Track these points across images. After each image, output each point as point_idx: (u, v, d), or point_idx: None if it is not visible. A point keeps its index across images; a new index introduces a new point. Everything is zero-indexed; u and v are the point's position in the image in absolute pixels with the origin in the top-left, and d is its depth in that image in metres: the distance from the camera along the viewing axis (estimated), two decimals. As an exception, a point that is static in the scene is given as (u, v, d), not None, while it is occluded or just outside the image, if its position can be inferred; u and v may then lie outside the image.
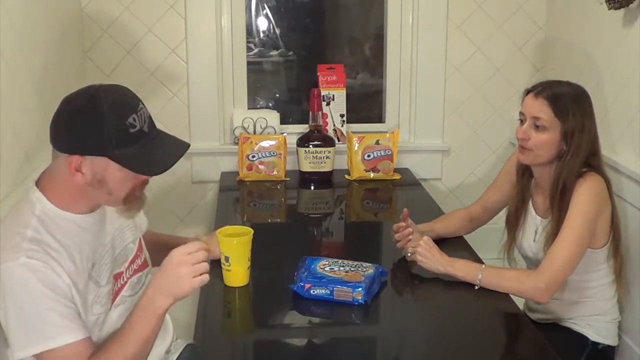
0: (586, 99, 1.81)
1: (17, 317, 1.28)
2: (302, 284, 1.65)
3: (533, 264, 1.93)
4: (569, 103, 1.76)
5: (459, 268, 1.74)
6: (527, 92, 1.83)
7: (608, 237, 1.84)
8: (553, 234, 1.77)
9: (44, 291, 1.27)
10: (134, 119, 1.34)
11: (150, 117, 1.40)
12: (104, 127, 1.31)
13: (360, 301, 1.63)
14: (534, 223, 1.90)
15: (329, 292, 1.64)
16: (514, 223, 1.95)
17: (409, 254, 1.83)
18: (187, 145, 1.43)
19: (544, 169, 1.83)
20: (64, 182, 1.36)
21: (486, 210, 2.07)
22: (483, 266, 1.74)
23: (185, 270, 1.35)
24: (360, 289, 1.63)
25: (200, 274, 1.37)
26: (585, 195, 1.74)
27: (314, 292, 1.64)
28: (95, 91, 1.34)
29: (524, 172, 1.92)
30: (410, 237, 1.87)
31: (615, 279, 1.90)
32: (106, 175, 1.34)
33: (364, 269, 1.72)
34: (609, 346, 1.91)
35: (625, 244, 1.96)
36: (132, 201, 1.42)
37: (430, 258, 1.76)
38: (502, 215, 2.04)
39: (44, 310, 1.28)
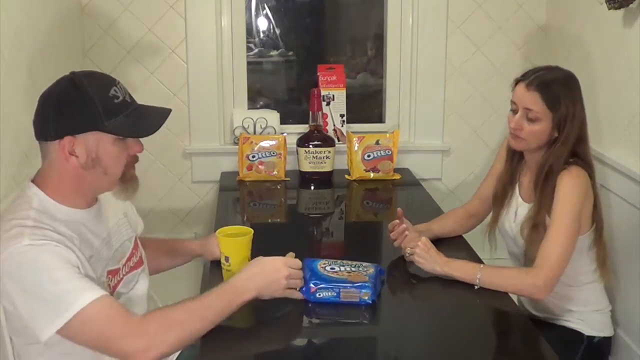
0: (576, 84, 1.82)
1: (33, 297, 1.26)
2: (308, 287, 1.63)
3: (513, 244, 1.95)
4: (559, 91, 1.78)
5: (456, 268, 1.74)
6: (517, 81, 1.84)
7: (590, 225, 1.85)
8: (532, 218, 1.80)
9: (52, 262, 1.27)
10: (115, 90, 1.40)
11: (128, 92, 1.45)
12: (91, 102, 1.35)
13: (367, 301, 1.62)
14: (516, 204, 1.92)
15: (335, 294, 1.63)
16: (500, 202, 1.97)
17: (408, 254, 1.83)
18: (169, 110, 1.49)
19: (535, 154, 1.86)
20: (60, 175, 1.38)
21: (484, 202, 2.07)
22: (481, 266, 1.74)
23: (281, 278, 1.48)
24: (367, 289, 1.63)
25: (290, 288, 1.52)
26: (569, 188, 1.75)
27: (319, 295, 1.63)
28: (72, 76, 1.40)
29: (514, 154, 1.94)
30: (406, 233, 1.87)
31: (598, 266, 1.90)
32: (100, 152, 1.37)
33: (365, 269, 1.72)
34: (604, 338, 1.92)
35: (617, 240, 1.96)
36: (127, 180, 1.46)
37: (428, 259, 1.76)
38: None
39: (57, 280, 1.26)
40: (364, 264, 1.75)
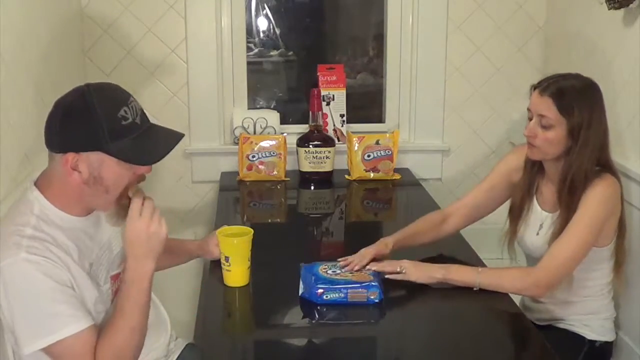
0: (593, 92, 1.78)
1: (22, 312, 1.28)
2: (315, 291, 1.63)
3: (534, 257, 1.92)
4: (574, 98, 1.74)
5: (456, 274, 1.71)
6: (534, 87, 1.81)
7: (613, 236, 1.83)
8: (560, 231, 1.75)
9: (47, 282, 1.28)
10: (125, 111, 1.34)
11: (142, 110, 1.40)
12: (97, 122, 1.31)
13: (374, 300, 1.63)
14: (540, 218, 1.88)
15: (343, 295, 1.63)
16: (517, 215, 1.93)
17: (403, 271, 1.72)
18: (181, 135, 1.43)
19: (554, 163, 1.82)
20: (62, 184, 1.37)
21: (464, 207, 1.98)
22: (479, 269, 1.72)
23: (153, 228, 1.38)
24: (374, 288, 1.63)
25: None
26: (598, 197, 1.72)
27: (327, 297, 1.63)
28: (85, 89, 1.36)
29: (534, 165, 1.90)
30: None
31: (614, 275, 1.89)
32: (102, 171, 1.34)
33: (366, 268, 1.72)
34: (606, 342, 1.91)
35: (627, 245, 1.95)
36: (122, 207, 1.41)
37: (422, 269, 1.72)
38: (502, 214, 2.03)
39: (49, 301, 1.28)
40: None
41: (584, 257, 1.73)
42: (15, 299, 1.27)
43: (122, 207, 1.41)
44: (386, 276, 1.71)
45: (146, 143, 1.37)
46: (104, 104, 1.33)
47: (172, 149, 1.39)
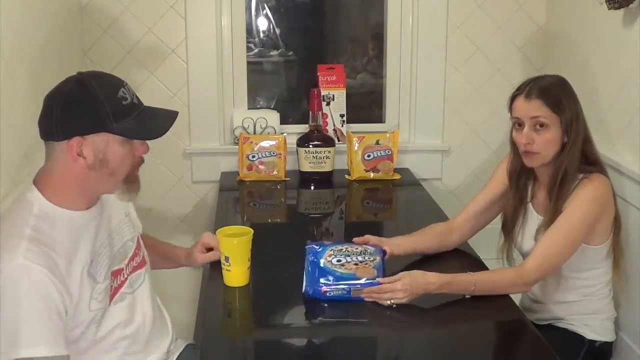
0: (570, 86, 1.82)
1: (3, 318, 1.25)
2: (319, 288, 1.64)
3: None
4: (559, 93, 1.77)
5: (450, 288, 1.67)
6: (514, 96, 1.81)
7: (609, 234, 1.83)
8: (546, 225, 1.76)
9: (33, 299, 1.26)
10: (123, 92, 1.40)
11: (135, 93, 1.45)
12: (99, 104, 1.35)
13: None
14: (537, 223, 1.87)
15: (346, 291, 1.64)
16: (511, 226, 1.93)
17: (393, 305, 1.64)
18: (176, 112, 1.49)
19: (548, 166, 1.82)
20: (63, 176, 1.38)
21: (470, 218, 1.97)
22: (474, 279, 1.68)
23: None
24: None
25: None
26: (589, 196, 1.73)
27: (331, 294, 1.64)
28: (80, 76, 1.40)
29: (520, 175, 1.90)
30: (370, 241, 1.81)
31: (613, 273, 1.90)
32: (108, 153, 1.37)
33: (371, 257, 1.71)
34: (605, 342, 1.91)
35: (625, 244, 1.96)
36: (132, 181, 1.46)
37: (415, 288, 1.63)
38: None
39: (28, 317, 1.25)
40: (369, 249, 1.73)
41: (570, 255, 1.75)
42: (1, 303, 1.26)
43: (132, 181, 1.46)
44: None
45: (148, 120, 1.42)
46: (102, 86, 1.37)
47: (173, 123, 1.45)
